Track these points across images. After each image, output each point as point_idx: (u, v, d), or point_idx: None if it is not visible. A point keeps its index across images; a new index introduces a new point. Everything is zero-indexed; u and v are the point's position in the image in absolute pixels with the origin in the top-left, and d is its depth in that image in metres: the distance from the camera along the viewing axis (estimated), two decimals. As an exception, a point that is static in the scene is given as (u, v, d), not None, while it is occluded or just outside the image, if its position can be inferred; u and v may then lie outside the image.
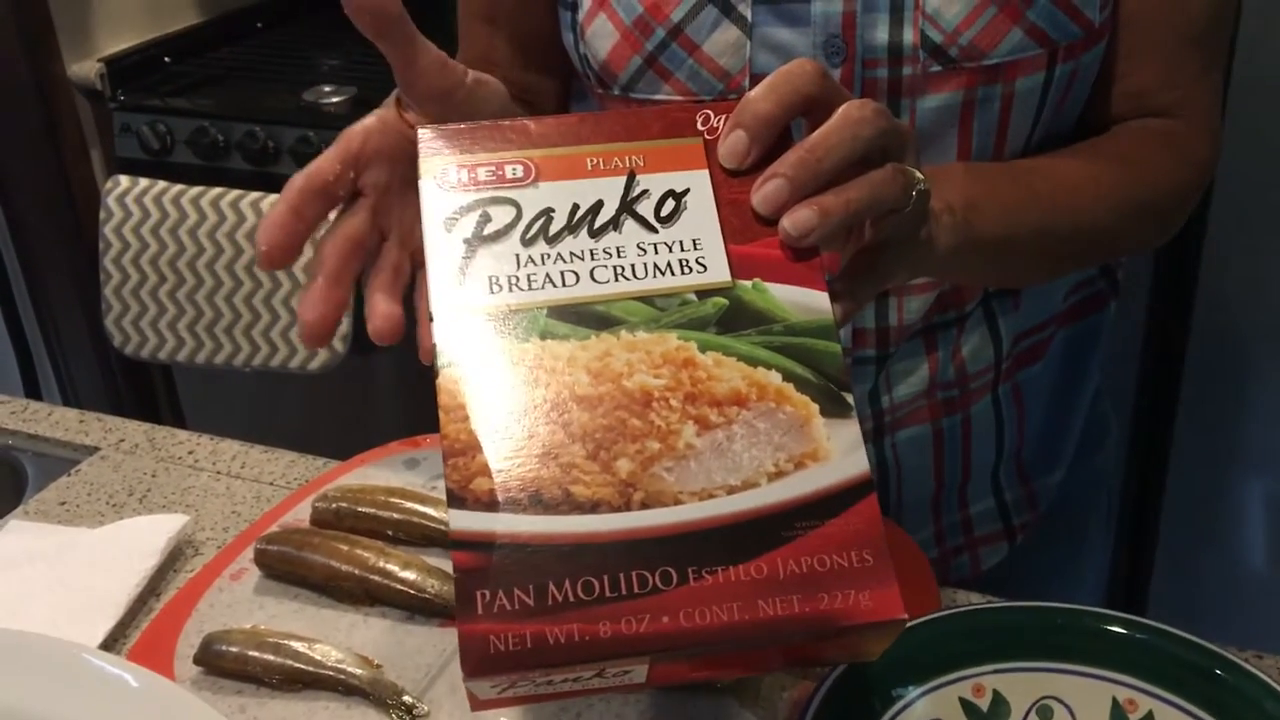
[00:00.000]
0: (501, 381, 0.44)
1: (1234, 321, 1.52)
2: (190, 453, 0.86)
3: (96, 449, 0.87)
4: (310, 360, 1.64)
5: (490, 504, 0.42)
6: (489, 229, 0.48)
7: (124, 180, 1.72)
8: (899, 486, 0.77)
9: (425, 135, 0.50)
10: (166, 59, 1.91)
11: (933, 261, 0.56)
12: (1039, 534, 0.82)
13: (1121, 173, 0.67)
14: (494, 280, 0.47)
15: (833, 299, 0.48)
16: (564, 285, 0.46)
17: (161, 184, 1.70)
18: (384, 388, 1.89)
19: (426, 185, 0.49)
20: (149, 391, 1.99)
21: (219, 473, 0.84)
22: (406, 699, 0.63)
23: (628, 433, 0.43)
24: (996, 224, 0.60)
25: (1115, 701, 0.56)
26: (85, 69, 1.85)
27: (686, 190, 0.48)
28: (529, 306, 0.46)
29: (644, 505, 0.42)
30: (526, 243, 0.47)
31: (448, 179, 0.49)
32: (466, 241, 0.47)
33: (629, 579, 0.41)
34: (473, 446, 0.43)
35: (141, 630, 0.69)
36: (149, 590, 0.72)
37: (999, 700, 0.58)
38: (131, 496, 0.82)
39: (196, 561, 0.75)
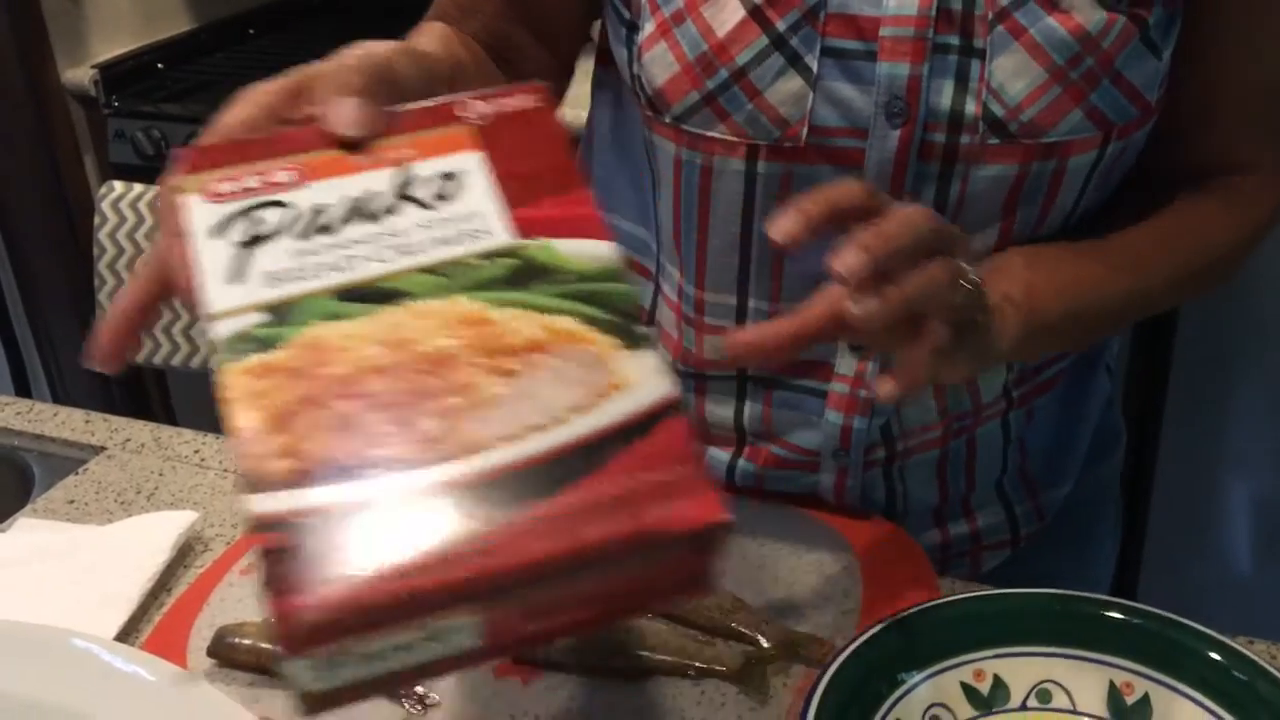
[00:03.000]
0: (289, 367, 0.43)
1: (1218, 325, 1.54)
2: (196, 451, 0.87)
3: (103, 448, 0.88)
4: (305, 364, 1.65)
5: (291, 483, 0.40)
6: (262, 230, 0.47)
7: (118, 186, 1.73)
8: (905, 500, 0.78)
9: (183, 154, 0.49)
10: (160, 65, 1.92)
11: (999, 351, 0.60)
12: (1043, 540, 0.83)
13: (1182, 240, 0.69)
14: (272, 275, 0.45)
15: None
16: (347, 269, 0.46)
17: (156, 189, 1.71)
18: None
19: (189, 200, 0.47)
20: (142, 397, 1.99)
21: (226, 470, 0.85)
22: (418, 689, 0.64)
23: (428, 392, 0.42)
24: (1059, 307, 0.63)
25: (1112, 685, 0.58)
26: (79, 75, 1.86)
27: (461, 171, 0.49)
28: (313, 294, 0.45)
29: (452, 458, 0.41)
30: (302, 237, 0.47)
31: (212, 191, 0.48)
32: (239, 245, 0.46)
33: (445, 529, 0.39)
34: (263, 432, 0.41)
35: (154, 625, 0.70)
36: (160, 586, 0.73)
37: (999, 684, 0.59)
38: (139, 495, 0.82)
39: (206, 557, 0.76)
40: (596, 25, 0.79)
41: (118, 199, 1.72)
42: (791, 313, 0.55)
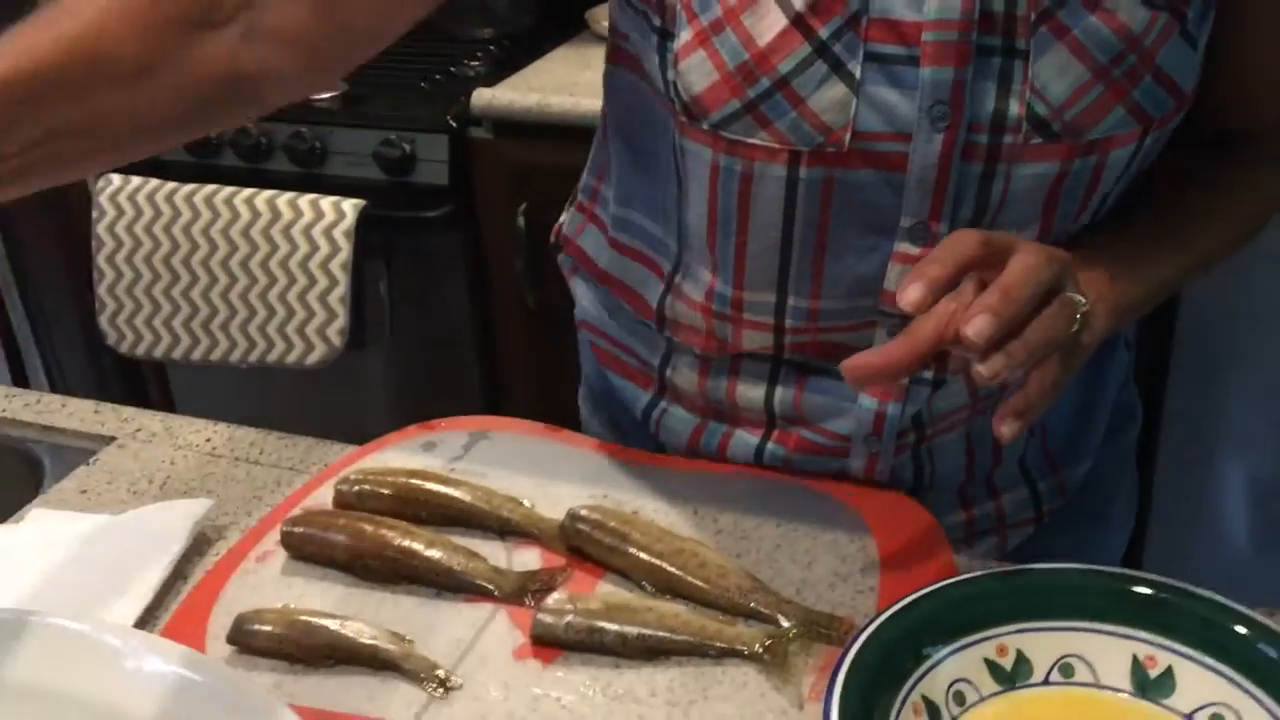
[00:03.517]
0: None
1: (1220, 307, 1.55)
2: (208, 440, 0.87)
3: (113, 439, 0.87)
4: (307, 355, 1.65)
5: None
6: None
7: (116, 179, 1.72)
8: (931, 478, 0.78)
9: None
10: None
11: (1090, 347, 0.62)
12: (1065, 514, 0.83)
13: (1239, 199, 0.72)
14: None
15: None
16: None
17: (154, 182, 1.70)
18: (377, 383, 1.89)
19: None
20: (141, 390, 1.99)
21: (238, 459, 0.85)
22: (440, 672, 0.64)
23: None
24: (1141, 294, 0.67)
25: (1135, 658, 0.58)
26: (74, 68, 1.84)
27: None
28: None
29: None
30: None
31: None
32: None
33: None
34: None
35: (171, 613, 0.70)
36: (176, 574, 0.73)
37: (1022, 659, 0.59)
38: (151, 484, 0.82)
39: (221, 546, 0.76)
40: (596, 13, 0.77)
41: (116, 192, 1.71)
42: (904, 337, 0.58)
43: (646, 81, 0.72)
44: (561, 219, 0.90)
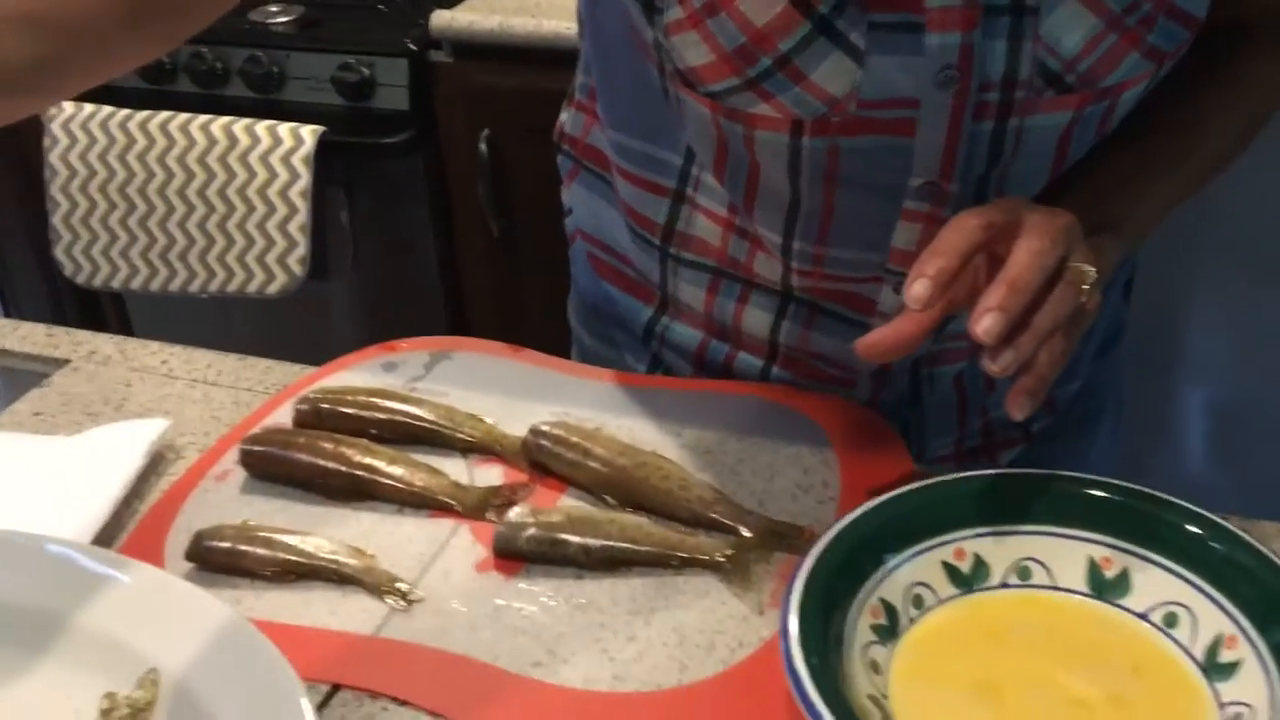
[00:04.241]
0: None
1: (1181, 236, 1.55)
2: (164, 362, 0.86)
3: (67, 361, 0.86)
4: (268, 285, 1.63)
5: None
6: None
7: (68, 106, 1.68)
8: (931, 399, 0.78)
9: None
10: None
11: (1097, 311, 0.60)
12: (1054, 429, 0.83)
13: (1238, 97, 0.70)
14: None
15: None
16: None
17: (107, 109, 1.67)
18: (340, 312, 1.88)
19: None
20: (99, 322, 1.96)
21: (195, 380, 0.84)
22: (401, 585, 0.64)
23: None
24: (1149, 211, 0.66)
25: (1092, 560, 0.59)
26: (20, -9, 1.79)
27: None
28: None
29: None
30: None
31: None
32: None
33: None
34: None
35: (129, 531, 0.70)
36: (133, 493, 0.72)
37: (980, 563, 0.60)
38: (107, 405, 0.81)
39: (179, 466, 0.75)
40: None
41: (68, 120, 1.68)
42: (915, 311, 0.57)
43: (634, 25, 0.68)
44: (561, 117, 0.87)
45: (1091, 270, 0.58)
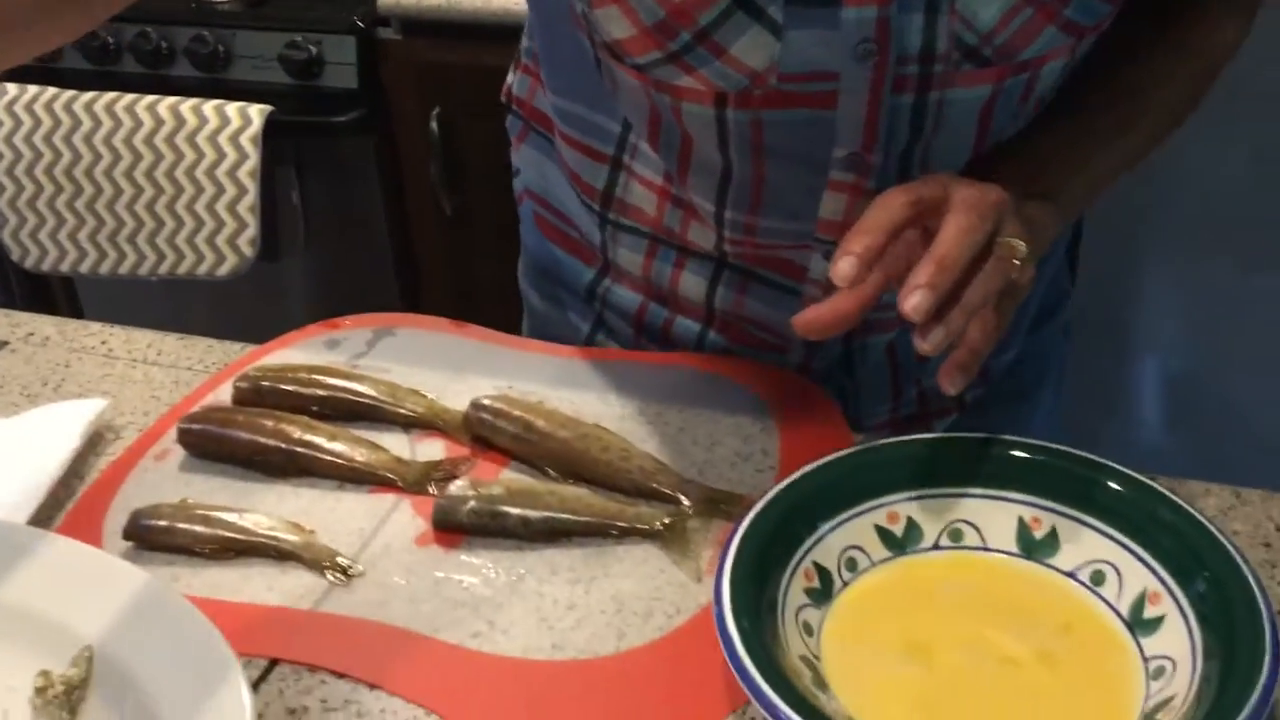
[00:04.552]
0: None
1: (1126, 205, 1.57)
2: (103, 343, 0.85)
3: (5, 343, 0.85)
4: (218, 266, 1.61)
5: None
6: None
7: (11, 88, 1.65)
8: (863, 368, 0.79)
9: None
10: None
11: (1030, 286, 0.60)
12: (990, 398, 0.84)
13: (1177, 63, 0.70)
14: None
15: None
16: None
17: (51, 90, 1.64)
18: (294, 293, 1.86)
19: None
20: (50, 306, 1.94)
21: (135, 360, 0.83)
22: (341, 560, 0.64)
23: None
24: (1087, 182, 0.67)
25: (1021, 520, 0.60)
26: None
27: None
28: None
29: None
30: None
31: None
32: None
33: None
34: None
35: (67, 511, 0.69)
36: (71, 473, 0.72)
37: (912, 526, 0.60)
38: (46, 386, 0.80)
39: (117, 446, 0.75)
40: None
41: (11, 101, 1.65)
42: (851, 290, 0.57)
43: None
44: (509, 79, 0.87)
45: (1023, 245, 0.58)
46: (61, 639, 0.56)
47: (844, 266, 0.55)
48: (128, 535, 0.66)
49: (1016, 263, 0.57)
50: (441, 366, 0.79)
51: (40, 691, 0.54)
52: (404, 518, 0.68)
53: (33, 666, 0.55)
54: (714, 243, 0.74)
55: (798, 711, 0.48)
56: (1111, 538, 0.57)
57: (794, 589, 0.57)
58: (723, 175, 0.69)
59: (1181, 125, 0.73)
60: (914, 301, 0.54)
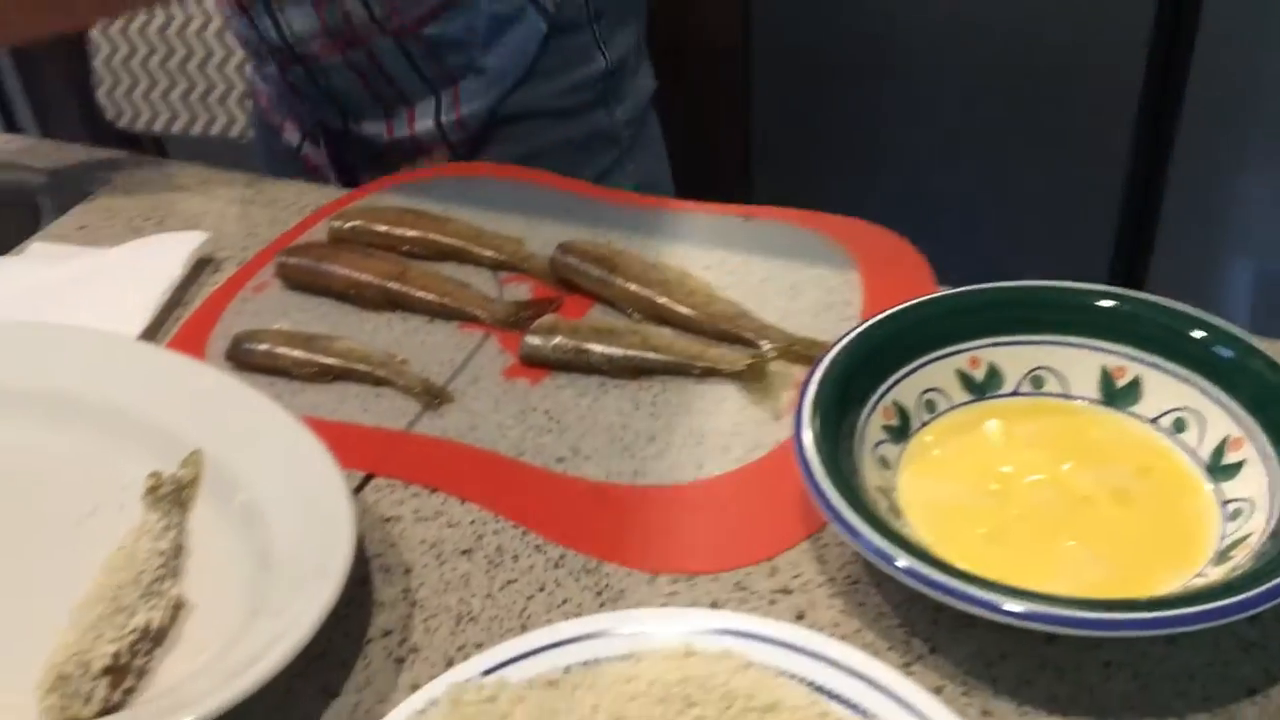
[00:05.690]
0: None
1: (1230, 86, 1.51)
2: (203, 182, 0.87)
3: (110, 179, 0.88)
4: (306, 130, 1.63)
5: None
6: None
7: (105, -54, 1.67)
8: None
9: None
10: None
11: None
12: None
13: None
14: None
15: None
16: None
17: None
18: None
19: None
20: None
21: (233, 200, 0.85)
22: (433, 387, 0.67)
23: None
24: None
25: (1104, 369, 0.60)
26: None
27: None
28: None
29: None
30: None
31: None
32: None
33: None
34: None
35: (170, 336, 0.72)
36: (173, 301, 0.75)
37: (993, 371, 0.61)
38: (148, 221, 0.83)
39: (218, 277, 0.77)
40: None
41: (105, -41, 1.66)
42: None
43: None
44: None
45: None
46: (172, 443, 0.59)
47: None
48: (230, 357, 0.69)
49: None
50: (528, 213, 0.81)
51: (151, 490, 0.58)
52: (491, 351, 0.70)
53: (145, 466, 0.59)
54: None
55: (876, 531, 0.49)
56: (1194, 385, 0.57)
57: (872, 425, 0.58)
58: None
59: None
60: None
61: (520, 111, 0.90)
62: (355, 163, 0.94)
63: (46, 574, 0.54)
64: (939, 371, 0.60)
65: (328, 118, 0.91)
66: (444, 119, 0.88)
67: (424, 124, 0.89)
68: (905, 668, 0.49)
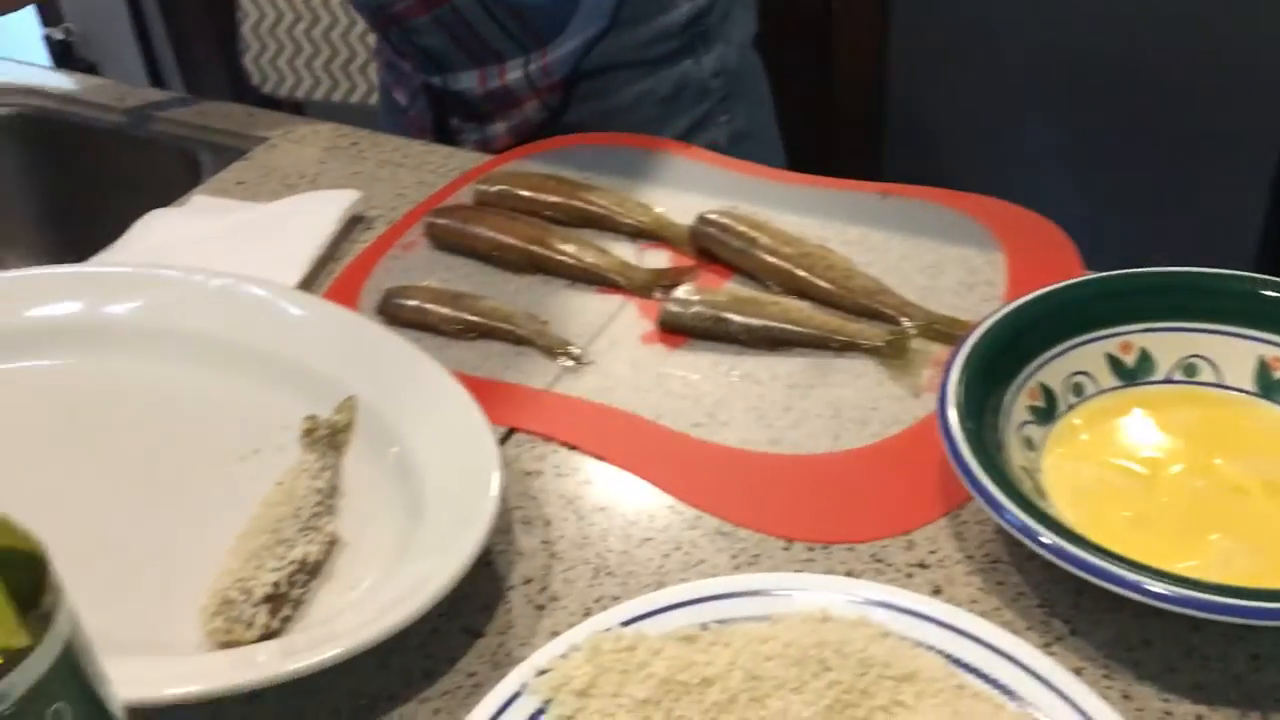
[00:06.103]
0: None
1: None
2: (354, 144, 0.90)
3: (266, 138, 0.91)
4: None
5: None
6: None
7: (255, -85, 1.72)
8: None
9: None
10: None
11: None
12: None
13: None
14: None
15: None
16: None
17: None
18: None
19: None
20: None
21: (383, 161, 0.88)
22: (572, 348, 0.68)
23: None
24: None
25: (1261, 360, 0.58)
26: None
27: None
28: None
29: None
30: None
31: None
32: None
33: None
34: None
35: (324, 289, 0.75)
36: (327, 255, 0.77)
37: (1145, 357, 0.60)
38: (303, 179, 0.86)
39: (369, 235, 0.80)
40: None
41: (258, -72, 1.72)
42: None
43: None
44: None
45: None
46: (328, 389, 0.62)
47: None
48: (381, 311, 0.71)
49: None
50: (667, 183, 0.81)
51: (308, 432, 0.60)
52: (630, 317, 0.71)
53: (302, 410, 0.61)
54: None
55: (1020, 507, 0.49)
56: (1359, 381, 0.56)
57: (1018, 404, 0.57)
58: None
59: None
60: None
61: (604, 64, 0.91)
62: (454, 121, 0.96)
63: (211, 507, 0.57)
64: (1088, 355, 0.60)
65: (429, 76, 0.93)
66: (531, 67, 0.90)
67: (514, 75, 0.90)
68: (1045, 648, 0.49)
